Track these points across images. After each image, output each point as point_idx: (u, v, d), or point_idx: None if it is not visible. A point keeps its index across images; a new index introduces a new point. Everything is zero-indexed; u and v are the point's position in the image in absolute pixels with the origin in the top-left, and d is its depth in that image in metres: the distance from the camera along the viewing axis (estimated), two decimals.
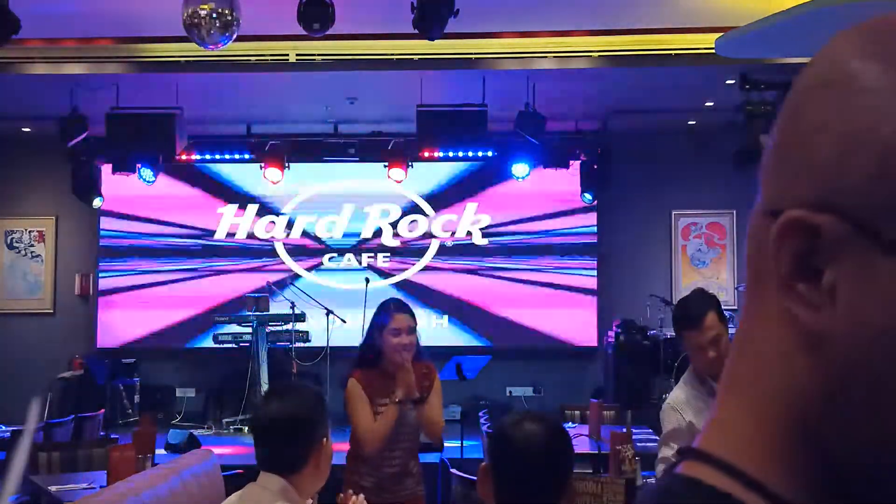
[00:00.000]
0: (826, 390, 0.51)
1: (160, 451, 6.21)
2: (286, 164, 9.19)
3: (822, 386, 0.52)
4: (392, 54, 7.16)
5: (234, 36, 5.43)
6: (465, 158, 9.33)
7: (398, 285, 9.75)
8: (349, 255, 9.87)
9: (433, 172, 9.69)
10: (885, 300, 0.49)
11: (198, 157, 9.53)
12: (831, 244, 0.50)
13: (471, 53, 7.19)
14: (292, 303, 8.67)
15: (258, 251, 9.86)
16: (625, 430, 4.79)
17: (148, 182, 9.24)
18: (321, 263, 9.88)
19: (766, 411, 0.54)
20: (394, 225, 9.84)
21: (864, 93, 0.51)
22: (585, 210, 9.65)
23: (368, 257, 9.85)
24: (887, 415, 0.50)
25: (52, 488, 4.46)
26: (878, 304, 0.49)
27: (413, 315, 3.72)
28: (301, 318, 8.66)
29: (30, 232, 9.95)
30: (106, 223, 9.81)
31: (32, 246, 9.95)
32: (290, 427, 2.18)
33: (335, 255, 9.87)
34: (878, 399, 0.50)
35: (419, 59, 7.15)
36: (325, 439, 2.20)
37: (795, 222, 0.52)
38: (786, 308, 0.53)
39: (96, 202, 9.18)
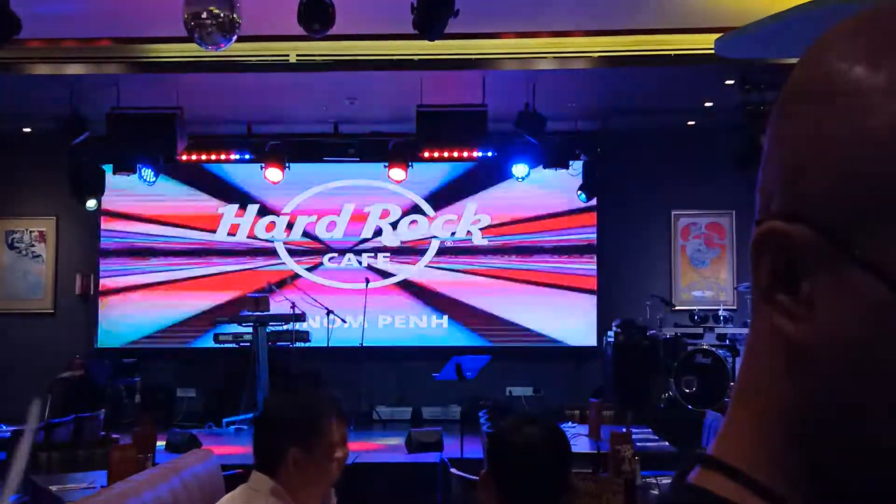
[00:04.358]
0: (812, 402, 0.51)
1: (160, 451, 6.20)
2: (286, 164, 9.19)
3: (809, 397, 0.51)
4: (392, 54, 7.16)
5: (235, 37, 5.43)
6: (465, 158, 9.33)
7: (398, 285, 9.75)
8: (349, 255, 9.87)
9: (433, 172, 9.69)
10: (858, 312, 0.48)
11: (198, 157, 9.52)
12: (806, 254, 0.50)
13: (471, 53, 7.18)
14: (292, 303, 8.67)
15: (258, 251, 9.87)
16: (624, 429, 4.80)
17: (148, 182, 9.23)
18: (321, 263, 9.88)
19: (767, 422, 0.53)
20: (394, 225, 9.84)
21: (827, 98, 0.50)
22: (585, 210, 9.65)
23: (368, 257, 9.85)
24: (864, 432, 0.49)
25: (52, 488, 4.46)
26: (851, 315, 0.48)
27: None
28: (301, 318, 8.66)
29: (30, 232, 9.95)
30: (106, 223, 9.81)
31: (33, 246, 9.95)
32: (261, 425, 2.29)
33: (335, 255, 9.87)
34: (856, 414, 0.49)
35: (419, 59, 7.14)
36: (292, 447, 2.15)
37: (771, 232, 0.51)
38: (772, 319, 0.52)
39: (90, 203, 9.14)
